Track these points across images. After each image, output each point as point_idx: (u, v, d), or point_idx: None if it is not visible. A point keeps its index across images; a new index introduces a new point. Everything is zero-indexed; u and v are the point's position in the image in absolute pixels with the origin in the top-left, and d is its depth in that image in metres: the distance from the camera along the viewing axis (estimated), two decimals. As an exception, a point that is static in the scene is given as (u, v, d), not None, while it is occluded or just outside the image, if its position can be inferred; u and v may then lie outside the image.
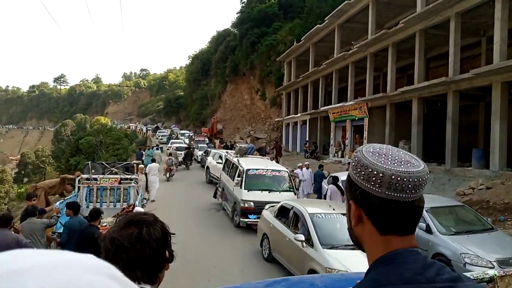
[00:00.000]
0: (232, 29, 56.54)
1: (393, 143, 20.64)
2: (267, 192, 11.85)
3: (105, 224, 8.19)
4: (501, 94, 14.32)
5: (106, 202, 10.96)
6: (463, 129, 18.03)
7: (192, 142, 37.36)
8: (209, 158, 22.01)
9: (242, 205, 11.58)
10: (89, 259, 0.50)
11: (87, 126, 70.38)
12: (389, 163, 0.92)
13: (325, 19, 26.90)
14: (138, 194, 11.24)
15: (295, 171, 15.45)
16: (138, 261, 1.32)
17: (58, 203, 9.37)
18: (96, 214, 6.53)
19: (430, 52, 21.70)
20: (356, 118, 24.00)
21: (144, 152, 23.81)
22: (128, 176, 11.74)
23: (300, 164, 16.51)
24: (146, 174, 14.74)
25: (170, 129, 60.17)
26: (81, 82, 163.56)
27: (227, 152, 19.44)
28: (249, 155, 17.60)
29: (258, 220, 10.50)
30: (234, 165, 13.51)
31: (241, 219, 11.57)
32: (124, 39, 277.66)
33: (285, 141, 36.42)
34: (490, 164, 14.72)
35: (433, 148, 21.56)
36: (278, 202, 9.72)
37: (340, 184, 12.05)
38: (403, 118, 20.60)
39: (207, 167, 21.48)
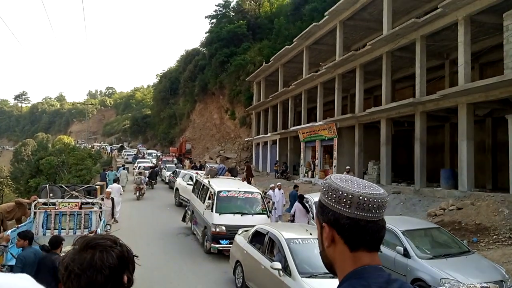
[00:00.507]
0: (201, 49, 56.63)
1: (362, 163, 20.90)
2: (240, 215, 11.33)
3: (63, 254, 7.50)
4: (467, 115, 14.67)
5: (65, 229, 10.10)
6: (430, 150, 18.36)
7: (159, 162, 36.55)
8: (179, 179, 21.29)
9: (213, 229, 10.99)
10: (19, 283, 0.55)
11: (49, 146, 67.27)
12: (356, 186, 1.07)
13: (294, 40, 27.26)
14: (100, 220, 10.48)
15: (268, 193, 15.04)
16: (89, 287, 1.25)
17: (10, 231, 8.53)
18: (56, 242, 6.22)
19: (396, 74, 22.25)
20: (326, 138, 24.09)
21: (107, 173, 22.68)
22: (90, 200, 10.93)
23: (272, 185, 16.16)
24: (112, 199, 13.84)
25: (137, 148, 58.74)
26: (44, 100, 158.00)
27: (196, 173, 18.87)
28: (220, 176, 17.10)
29: (230, 245, 9.99)
30: (205, 187, 12.96)
31: (212, 244, 10.96)
32: (90, 56, 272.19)
33: (255, 161, 36.17)
34: (458, 184, 14.92)
35: (401, 169, 21.88)
36: (252, 226, 9.27)
37: (306, 203, 11.93)
38: (371, 138, 20.82)
39: (176, 189, 20.70)
